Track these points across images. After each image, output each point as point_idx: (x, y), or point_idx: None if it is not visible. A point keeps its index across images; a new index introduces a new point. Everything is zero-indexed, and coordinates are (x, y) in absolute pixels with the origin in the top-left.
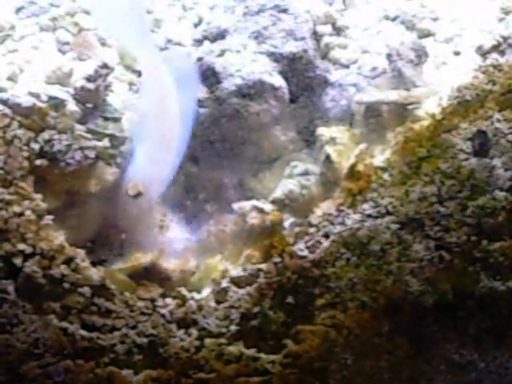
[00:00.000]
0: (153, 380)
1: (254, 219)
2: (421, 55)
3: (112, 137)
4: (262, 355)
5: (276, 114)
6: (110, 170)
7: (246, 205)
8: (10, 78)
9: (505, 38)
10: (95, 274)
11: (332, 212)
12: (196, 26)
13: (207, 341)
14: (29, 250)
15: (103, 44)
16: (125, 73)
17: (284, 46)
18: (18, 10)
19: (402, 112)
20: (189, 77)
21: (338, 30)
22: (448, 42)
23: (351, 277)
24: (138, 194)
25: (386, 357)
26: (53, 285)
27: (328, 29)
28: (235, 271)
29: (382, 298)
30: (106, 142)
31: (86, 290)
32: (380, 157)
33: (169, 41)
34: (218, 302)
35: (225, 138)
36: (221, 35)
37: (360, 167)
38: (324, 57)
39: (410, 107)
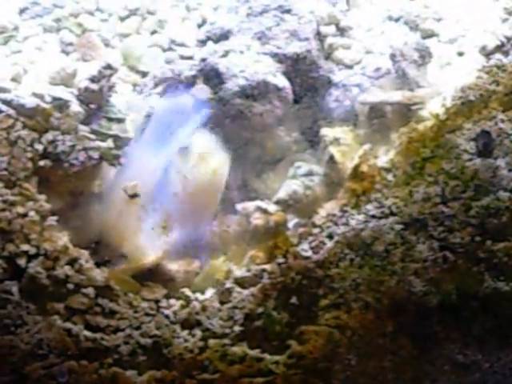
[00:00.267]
0: (157, 381)
1: (257, 220)
2: (424, 56)
3: (116, 137)
4: (266, 356)
5: (280, 115)
6: (113, 171)
7: (250, 205)
8: (13, 79)
9: (508, 39)
10: (99, 274)
11: (336, 213)
12: (200, 26)
13: (211, 341)
14: (33, 250)
15: (107, 45)
16: (129, 73)
17: (288, 47)
18: (22, 10)
19: (406, 112)
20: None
21: (341, 31)
22: (452, 43)
23: (355, 277)
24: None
25: (390, 357)
26: (57, 285)
27: (332, 29)
28: (239, 272)
29: (385, 298)
30: (109, 143)
31: (90, 291)
32: (384, 157)
33: (172, 41)
34: (222, 303)
35: (228, 139)
36: (224, 36)
37: (364, 168)
38: (328, 57)
39: (413, 108)
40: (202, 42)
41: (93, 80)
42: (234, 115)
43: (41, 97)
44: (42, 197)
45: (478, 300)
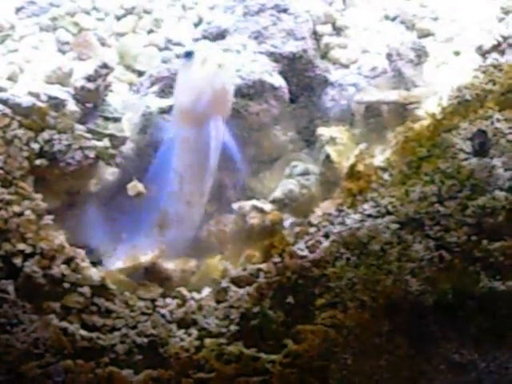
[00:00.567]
0: (153, 380)
1: (253, 219)
2: (421, 55)
3: (112, 136)
4: (262, 355)
5: (276, 114)
6: (110, 170)
7: (246, 205)
8: (10, 78)
9: (505, 38)
10: (95, 273)
11: (332, 212)
12: (196, 25)
13: (207, 341)
14: (29, 249)
15: (103, 44)
16: (125, 72)
17: (284, 46)
18: (18, 9)
19: (402, 112)
20: None
21: (337, 30)
22: (448, 42)
23: (351, 276)
24: (139, 194)
25: (386, 356)
26: (53, 285)
27: (328, 29)
28: (235, 271)
29: (381, 297)
30: (106, 142)
31: (86, 290)
32: (380, 157)
33: (169, 41)
34: (218, 302)
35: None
36: (221, 35)
37: (360, 167)
38: (324, 57)
39: (410, 107)
40: (199, 41)
41: (89, 79)
42: (231, 114)
43: (37, 96)
44: (38, 196)
45: (474, 299)
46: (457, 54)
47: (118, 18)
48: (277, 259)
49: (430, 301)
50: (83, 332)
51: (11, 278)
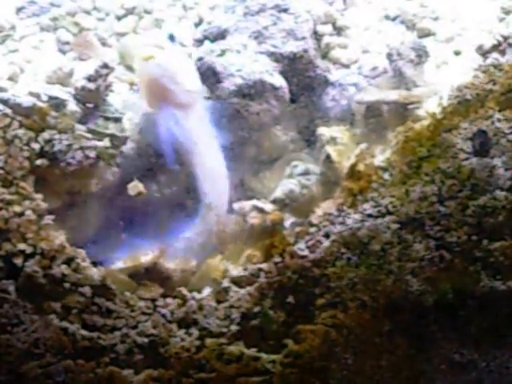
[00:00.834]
0: (153, 380)
1: (254, 219)
2: (421, 55)
3: (112, 136)
4: (263, 355)
5: (276, 114)
6: (110, 170)
7: (247, 204)
8: (10, 78)
9: (505, 38)
10: (96, 273)
11: (332, 212)
12: (196, 25)
13: (208, 340)
14: (29, 249)
15: (104, 44)
16: (125, 72)
17: (284, 46)
18: (19, 9)
19: (403, 112)
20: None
21: (338, 30)
22: (448, 42)
23: (352, 276)
24: (139, 194)
25: (387, 356)
26: (53, 285)
27: (328, 28)
28: (236, 271)
29: (382, 297)
30: (106, 142)
31: (87, 290)
32: (380, 156)
33: None
34: (219, 302)
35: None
36: (221, 35)
37: (360, 167)
38: (324, 56)
39: (410, 107)
40: (199, 41)
41: (89, 79)
42: (231, 114)
43: (37, 96)
44: (39, 196)
45: (474, 299)
46: (457, 53)
47: (119, 18)
48: (277, 259)
49: (431, 301)
50: (84, 332)
51: (12, 278)
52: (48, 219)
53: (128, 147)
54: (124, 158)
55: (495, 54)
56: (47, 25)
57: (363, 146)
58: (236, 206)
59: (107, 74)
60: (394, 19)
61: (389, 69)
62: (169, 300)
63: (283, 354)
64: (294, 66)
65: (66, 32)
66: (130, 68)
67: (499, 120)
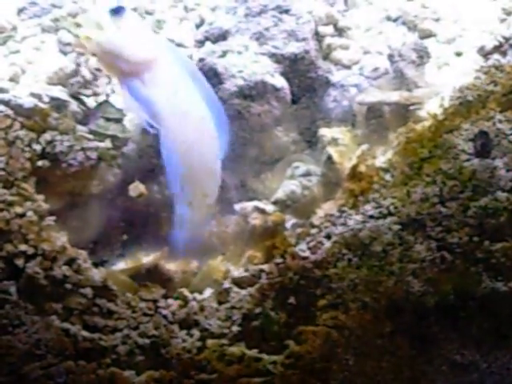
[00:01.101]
0: (155, 381)
1: (255, 220)
2: (422, 56)
3: (114, 138)
4: (264, 356)
5: (278, 115)
6: (111, 171)
7: (248, 205)
8: (11, 79)
9: (506, 39)
10: (97, 274)
11: (334, 213)
12: (198, 27)
13: (209, 341)
14: (31, 250)
15: None
16: None
17: (286, 47)
18: (20, 11)
19: (404, 113)
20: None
21: (339, 31)
22: (450, 43)
23: (353, 277)
24: (141, 195)
25: (388, 357)
26: (55, 286)
27: (330, 29)
28: (237, 272)
29: (383, 298)
30: (107, 143)
31: (88, 291)
32: (382, 157)
33: (170, 42)
34: (220, 303)
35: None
36: (222, 36)
37: (362, 168)
38: (326, 57)
39: (411, 108)
40: (200, 43)
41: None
42: (232, 115)
43: (39, 97)
44: (40, 197)
45: (475, 300)
46: (458, 54)
47: None
48: (279, 260)
49: (432, 302)
50: (85, 333)
51: (13, 279)
52: (49, 220)
53: (129, 148)
54: (125, 159)
55: (496, 55)
56: (48, 26)
57: (364, 147)
58: (237, 207)
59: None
60: (395, 20)
61: (390, 70)
62: (170, 301)
63: (284, 355)
64: (295, 67)
65: (67, 33)
66: None
67: (500, 121)
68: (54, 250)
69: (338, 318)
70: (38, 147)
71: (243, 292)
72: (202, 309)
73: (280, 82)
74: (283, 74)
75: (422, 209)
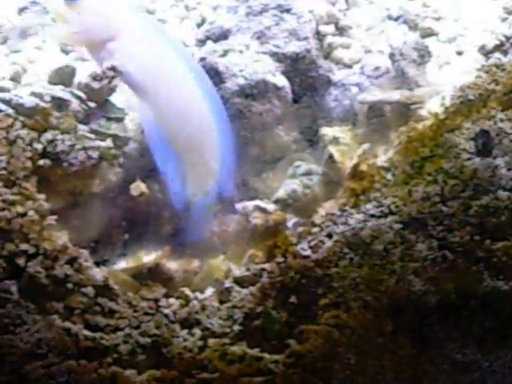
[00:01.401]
0: (156, 380)
1: (257, 219)
2: (424, 55)
3: (115, 137)
4: (266, 355)
5: (279, 114)
6: (113, 170)
7: (249, 205)
8: (13, 78)
9: (508, 38)
10: (98, 274)
11: (335, 212)
12: (199, 26)
13: (210, 341)
14: (32, 250)
15: None
16: None
17: (287, 46)
18: (21, 10)
19: (405, 112)
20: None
21: (340, 30)
22: (451, 42)
23: (354, 276)
24: (142, 194)
25: (389, 356)
26: (56, 285)
27: (331, 28)
28: (238, 271)
29: (385, 297)
30: (109, 143)
31: (90, 290)
32: (383, 157)
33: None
34: (221, 302)
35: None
36: (224, 35)
37: (363, 167)
38: (327, 56)
39: (412, 107)
40: (201, 42)
41: (95, 78)
42: (234, 114)
43: (40, 96)
44: (42, 196)
45: (477, 299)
46: (460, 53)
47: None
48: (280, 259)
49: (433, 301)
50: (86, 332)
51: (14, 278)
52: (51, 219)
53: (131, 147)
54: (126, 158)
55: (498, 54)
56: (49, 25)
57: (366, 146)
58: (239, 206)
59: (113, 77)
60: (396, 19)
61: (391, 69)
62: (171, 300)
63: (286, 354)
64: (296, 66)
65: None
66: None
67: (502, 120)
68: (55, 250)
69: (340, 317)
70: (39, 146)
71: (244, 291)
72: (203, 308)
73: (281, 81)
74: (284, 73)
75: (424, 208)
